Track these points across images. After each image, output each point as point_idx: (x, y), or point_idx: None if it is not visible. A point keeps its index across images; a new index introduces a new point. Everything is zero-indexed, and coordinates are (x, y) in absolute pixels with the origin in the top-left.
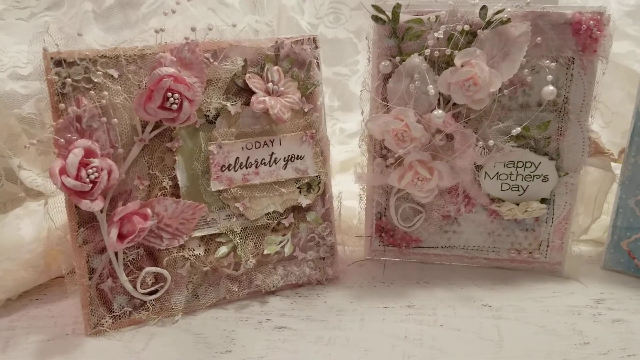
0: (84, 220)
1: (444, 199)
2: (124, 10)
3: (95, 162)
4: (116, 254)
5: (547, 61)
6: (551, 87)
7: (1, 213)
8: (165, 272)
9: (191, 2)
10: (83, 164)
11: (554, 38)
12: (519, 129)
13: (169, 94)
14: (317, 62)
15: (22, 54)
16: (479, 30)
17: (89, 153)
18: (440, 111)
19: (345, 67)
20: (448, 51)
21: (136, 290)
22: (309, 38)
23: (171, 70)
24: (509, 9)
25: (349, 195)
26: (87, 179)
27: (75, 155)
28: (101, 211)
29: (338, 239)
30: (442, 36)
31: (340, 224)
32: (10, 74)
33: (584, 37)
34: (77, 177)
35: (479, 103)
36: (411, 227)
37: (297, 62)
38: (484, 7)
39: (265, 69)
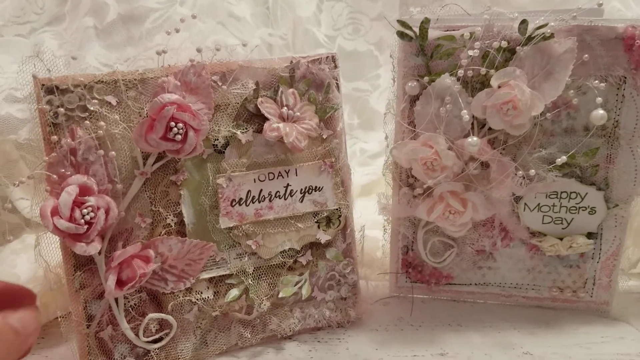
0: (80, 263)
1: (478, 233)
2: (126, 25)
3: (91, 200)
4: (116, 299)
5: (596, 81)
6: (601, 111)
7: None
8: (170, 318)
9: (199, 17)
10: (77, 203)
11: (603, 55)
12: (564, 157)
13: (172, 123)
14: (337, 83)
15: (20, 74)
16: (518, 47)
17: (84, 190)
18: (475, 138)
19: (365, 81)
20: (483, 70)
21: (139, 338)
22: (327, 57)
23: (174, 97)
24: (552, 23)
25: (371, 223)
26: (82, 220)
27: (69, 194)
28: (99, 253)
29: (360, 273)
30: (477, 54)
31: (362, 258)
32: (6, 97)
33: (637, 53)
34: (71, 219)
35: (518, 128)
36: (441, 263)
37: (314, 83)
38: (524, 22)
39: (280, 92)
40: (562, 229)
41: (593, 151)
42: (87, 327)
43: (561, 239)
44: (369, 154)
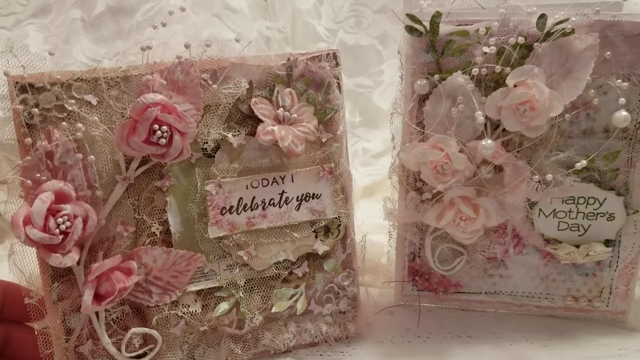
0: (58, 274)
1: (490, 239)
2: (116, 18)
3: (67, 208)
4: (97, 313)
5: (618, 80)
6: (624, 113)
7: None
8: (154, 333)
9: (193, 9)
10: (52, 212)
11: (627, 52)
12: (584, 162)
13: (156, 126)
14: (338, 83)
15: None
16: (535, 44)
17: (60, 197)
18: (489, 141)
19: (368, 77)
20: (498, 68)
21: (121, 353)
22: (328, 54)
23: (159, 97)
24: (572, 18)
25: (375, 227)
26: (57, 230)
27: (43, 201)
28: (78, 263)
29: (362, 280)
30: (493, 51)
31: (364, 264)
32: None
33: None
34: (45, 228)
35: (535, 130)
36: (450, 271)
37: (313, 82)
38: (542, 16)
39: (275, 92)
40: (579, 235)
41: (614, 154)
42: (66, 341)
43: (577, 247)
44: (371, 153)
